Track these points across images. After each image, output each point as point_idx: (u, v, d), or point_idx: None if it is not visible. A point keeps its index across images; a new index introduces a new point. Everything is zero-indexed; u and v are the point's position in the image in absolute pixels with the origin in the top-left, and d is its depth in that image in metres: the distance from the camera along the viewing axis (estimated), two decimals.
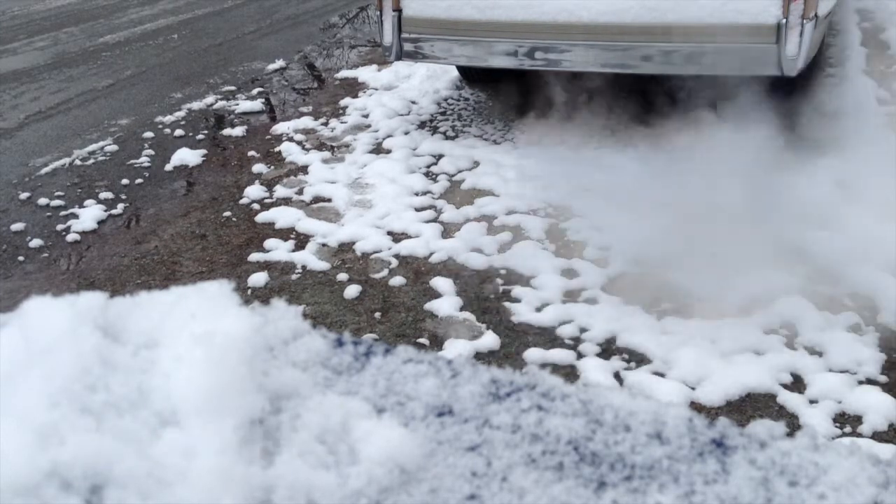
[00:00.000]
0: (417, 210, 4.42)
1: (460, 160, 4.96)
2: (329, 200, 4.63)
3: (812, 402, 2.90)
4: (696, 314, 3.39)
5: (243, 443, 0.57)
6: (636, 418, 0.62)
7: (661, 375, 3.06)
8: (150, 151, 5.50)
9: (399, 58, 5.11)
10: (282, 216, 4.46)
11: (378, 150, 5.26)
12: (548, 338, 3.34)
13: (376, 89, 6.38)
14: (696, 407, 2.86)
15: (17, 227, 4.56)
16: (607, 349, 3.24)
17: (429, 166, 4.95)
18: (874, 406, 2.83)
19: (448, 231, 4.20)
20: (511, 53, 4.79)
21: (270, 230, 4.35)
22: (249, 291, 3.73)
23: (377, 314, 3.54)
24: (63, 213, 4.71)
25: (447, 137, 5.34)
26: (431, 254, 3.97)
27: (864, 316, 3.35)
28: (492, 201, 4.43)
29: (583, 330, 3.35)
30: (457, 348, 3.25)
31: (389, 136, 5.42)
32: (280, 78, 7.00)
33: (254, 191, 4.81)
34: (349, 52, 7.60)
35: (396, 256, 3.98)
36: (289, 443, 0.59)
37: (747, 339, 3.22)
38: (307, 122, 5.83)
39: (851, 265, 3.68)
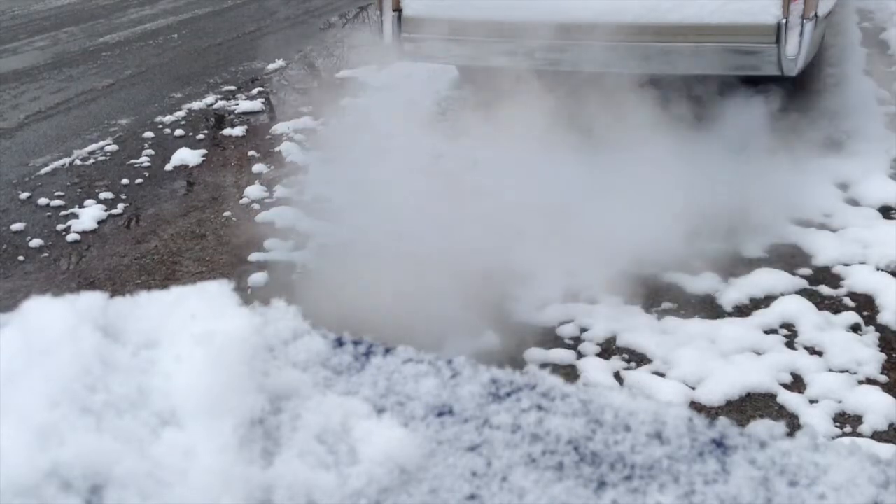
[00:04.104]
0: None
1: (461, 160, 4.96)
2: (329, 200, 4.62)
3: (812, 402, 2.90)
4: (694, 311, 3.40)
5: (243, 443, 0.57)
6: (636, 418, 0.62)
7: (661, 375, 3.06)
8: (150, 151, 5.50)
9: (399, 58, 5.11)
10: (282, 216, 4.46)
11: (378, 149, 5.26)
12: (548, 337, 3.34)
13: (376, 89, 6.38)
14: (696, 407, 2.86)
15: (17, 226, 4.56)
16: (607, 349, 3.24)
17: (429, 165, 4.94)
18: (874, 406, 2.83)
19: (448, 229, 4.19)
20: (511, 53, 4.79)
21: (271, 230, 4.34)
22: (249, 291, 3.73)
23: (377, 313, 3.53)
24: (63, 212, 4.71)
25: (447, 137, 5.34)
26: (432, 253, 3.96)
27: (864, 316, 3.35)
28: (492, 200, 4.42)
29: (583, 329, 3.35)
30: (457, 348, 3.25)
31: (389, 135, 5.41)
32: (280, 78, 7.00)
33: (254, 191, 4.80)
34: (349, 52, 7.59)
35: (397, 255, 3.97)
36: (289, 443, 0.59)
37: (747, 339, 3.22)
38: (307, 122, 5.83)
39: (851, 265, 3.68)
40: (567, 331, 3.37)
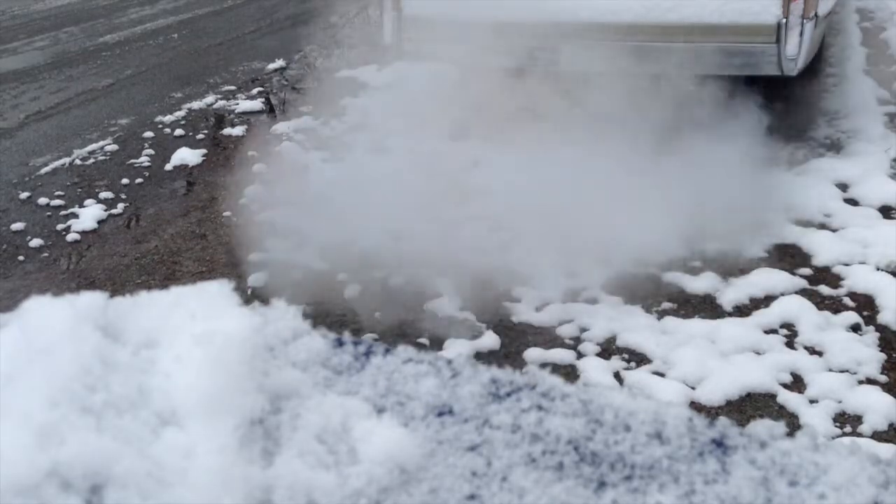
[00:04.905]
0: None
1: (461, 159, 4.96)
2: (329, 200, 4.62)
3: (812, 401, 2.90)
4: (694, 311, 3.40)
5: (243, 443, 0.57)
6: (636, 418, 0.62)
7: (661, 375, 3.06)
8: (150, 151, 5.50)
9: (399, 58, 5.11)
10: (282, 216, 4.46)
11: (378, 149, 5.26)
12: (548, 337, 3.33)
13: (377, 89, 6.38)
14: (696, 407, 2.86)
15: (17, 226, 4.56)
16: (607, 349, 3.24)
17: (429, 165, 4.94)
18: (874, 406, 2.83)
19: (448, 230, 4.19)
20: (511, 53, 4.78)
21: (271, 230, 4.34)
22: (249, 291, 3.73)
23: (377, 314, 3.53)
24: (63, 212, 4.71)
25: (447, 137, 5.33)
26: (432, 252, 3.96)
27: (864, 316, 3.35)
28: (492, 199, 4.42)
29: (583, 330, 3.35)
30: (457, 348, 3.25)
31: (390, 135, 5.41)
32: (280, 78, 7.00)
33: (254, 190, 4.80)
34: (349, 52, 7.59)
35: (397, 255, 3.97)
36: (289, 443, 0.59)
37: (747, 339, 3.22)
38: (307, 121, 5.82)
39: (851, 265, 3.68)
40: (567, 331, 3.36)
